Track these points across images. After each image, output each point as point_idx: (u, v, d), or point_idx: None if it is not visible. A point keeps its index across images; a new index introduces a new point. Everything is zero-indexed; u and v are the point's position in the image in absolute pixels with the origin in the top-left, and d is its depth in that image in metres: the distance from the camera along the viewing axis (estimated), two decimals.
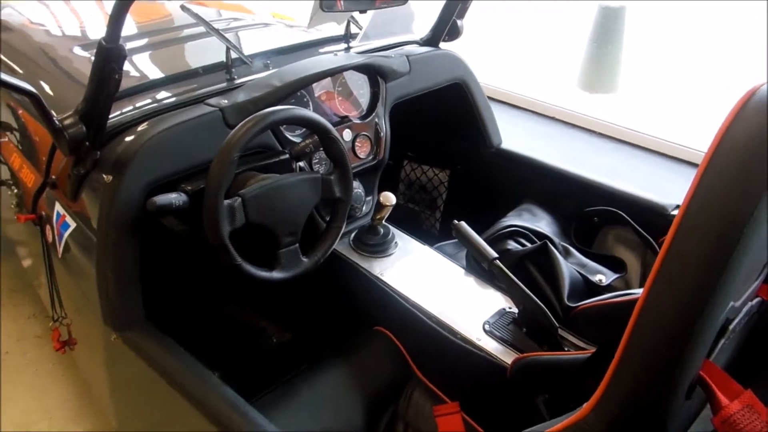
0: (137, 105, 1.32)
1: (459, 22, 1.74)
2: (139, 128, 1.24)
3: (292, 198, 1.21)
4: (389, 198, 1.43)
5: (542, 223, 1.63)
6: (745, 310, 0.70)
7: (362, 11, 1.39)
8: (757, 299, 0.75)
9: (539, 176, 1.74)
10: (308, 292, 1.58)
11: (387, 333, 1.41)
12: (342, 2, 1.30)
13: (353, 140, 1.53)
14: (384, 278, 1.40)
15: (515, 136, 1.96)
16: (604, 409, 0.64)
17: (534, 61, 4.68)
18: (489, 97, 1.84)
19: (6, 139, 1.67)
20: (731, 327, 0.66)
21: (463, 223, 1.35)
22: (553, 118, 3.70)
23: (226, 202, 1.11)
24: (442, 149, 1.97)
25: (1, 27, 1.86)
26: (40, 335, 1.94)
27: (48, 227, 1.41)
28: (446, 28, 1.73)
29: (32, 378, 1.81)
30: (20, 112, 1.60)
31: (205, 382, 1.10)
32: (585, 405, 0.66)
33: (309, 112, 1.21)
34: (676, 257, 0.59)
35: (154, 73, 1.53)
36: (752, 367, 0.81)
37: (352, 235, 1.51)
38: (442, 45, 1.77)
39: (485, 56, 4.09)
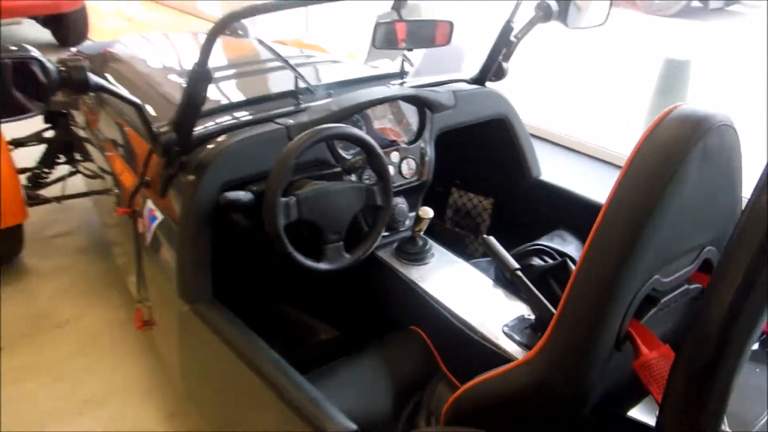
0: (218, 121, 1.59)
1: (504, 64, 1.94)
2: (219, 139, 1.50)
3: (339, 201, 1.43)
4: (427, 212, 1.62)
5: (570, 247, 1.77)
6: (681, 290, 0.84)
7: (409, 49, 1.63)
8: (696, 285, 0.89)
9: (574, 206, 1.89)
10: (354, 294, 1.78)
11: (420, 332, 1.58)
12: (393, 42, 1.53)
13: (400, 162, 1.74)
14: (420, 284, 1.58)
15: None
16: (544, 353, 0.80)
17: (603, 111, 4.80)
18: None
19: (112, 153, 1.99)
20: (663, 300, 0.80)
21: (491, 237, 1.53)
22: (611, 163, 3.80)
23: (283, 199, 1.34)
24: (487, 179, 2.15)
25: (111, 58, 2.23)
26: (124, 321, 2.23)
27: (140, 220, 1.69)
28: (492, 69, 1.94)
29: (114, 356, 2.09)
30: (126, 129, 1.92)
31: (262, 350, 1.30)
32: (531, 350, 0.82)
33: (356, 130, 1.44)
34: (601, 237, 0.76)
35: (234, 96, 1.81)
36: None
37: (395, 245, 1.71)
38: (489, 84, 1.97)
39: (558, 105, 4.24)
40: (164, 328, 1.71)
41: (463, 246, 2.24)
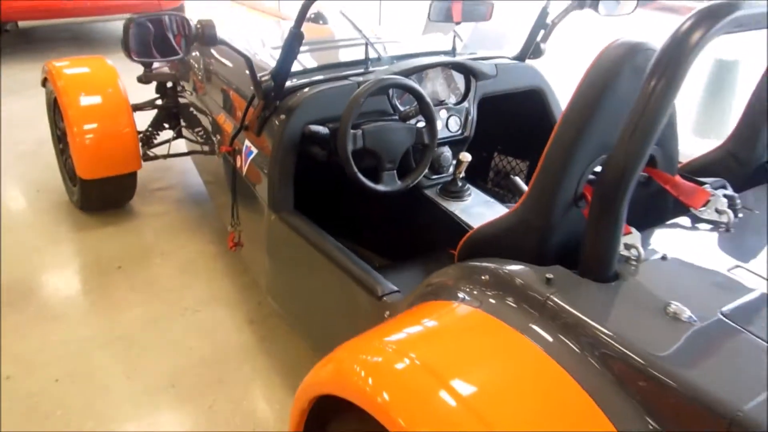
0: (305, 78, 2.02)
1: (542, 45, 2.30)
2: (305, 90, 1.93)
3: (395, 137, 1.83)
4: (466, 156, 1.99)
5: None
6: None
7: (458, 23, 2.01)
8: (645, 175, 1.24)
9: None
10: (406, 227, 2.17)
11: (454, 253, 1.95)
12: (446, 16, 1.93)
13: (447, 118, 2.12)
14: (458, 214, 1.95)
15: None
16: (525, 201, 1.17)
17: None
18: None
19: (217, 109, 2.46)
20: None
21: (516, 177, 1.88)
22: None
23: (352, 131, 1.75)
24: (524, 144, 2.50)
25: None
26: (214, 252, 2.70)
27: (238, 157, 2.14)
28: (531, 48, 2.30)
29: (207, 276, 2.55)
30: (229, 90, 2.37)
31: (331, 242, 1.70)
32: (515, 204, 1.19)
33: (410, 82, 1.83)
34: (562, 125, 1.11)
35: (318, 62, 2.24)
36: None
37: (440, 186, 2.08)
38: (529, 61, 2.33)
39: None
40: (252, 240, 2.14)
41: (504, 204, 2.59)
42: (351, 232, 2.23)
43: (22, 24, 5.28)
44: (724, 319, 0.97)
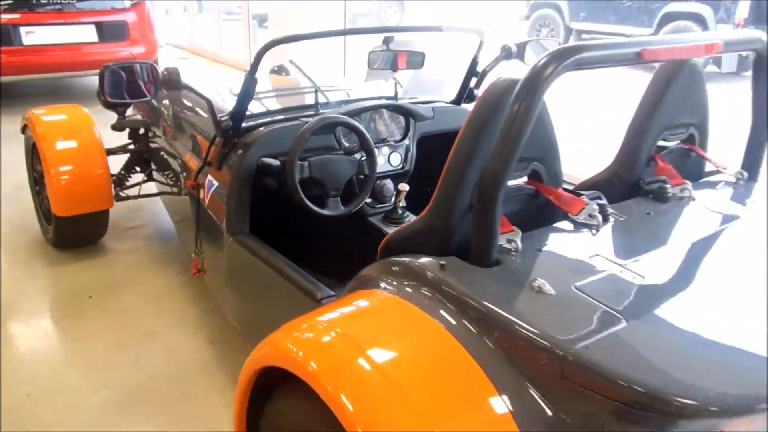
0: (260, 120, 2.28)
1: (475, 90, 2.61)
2: (260, 128, 2.19)
3: (338, 168, 2.09)
4: (404, 186, 2.25)
5: None
6: (516, 186, 1.46)
7: (394, 70, 2.31)
8: (530, 187, 1.51)
9: None
10: (353, 252, 2.40)
11: None
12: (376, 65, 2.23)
13: (389, 154, 2.39)
14: None
15: None
16: (431, 208, 1.42)
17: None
18: None
19: (183, 148, 2.70)
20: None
21: None
22: None
23: (299, 162, 2.00)
24: None
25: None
26: (180, 284, 2.89)
27: (201, 190, 2.37)
28: (465, 93, 2.61)
29: (172, 305, 2.74)
30: (194, 133, 2.63)
31: (285, 261, 1.92)
32: (422, 212, 1.44)
33: (349, 119, 2.10)
34: (457, 146, 1.38)
35: (273, 106, 2.52)
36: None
37: (382, 214, 2.33)
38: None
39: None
40: (214, 265, 2.36)
41: None
42: (304, 256, 2.46)
43: (4, 79, 5.52)
44: (576, 291, 1.22)
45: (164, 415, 2.10)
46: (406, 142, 2.45)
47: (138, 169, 3.37)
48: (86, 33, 5.84)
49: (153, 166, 3.34)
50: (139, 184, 3.33)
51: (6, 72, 5.47)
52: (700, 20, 9.38)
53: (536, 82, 1.21)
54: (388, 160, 2.40)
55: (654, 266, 1.33)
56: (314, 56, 5.12)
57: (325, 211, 2.08)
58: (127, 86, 2.05)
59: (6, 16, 5.46)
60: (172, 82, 1.95)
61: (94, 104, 3.21)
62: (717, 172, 1.90)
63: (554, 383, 1.09)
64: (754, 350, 1.11)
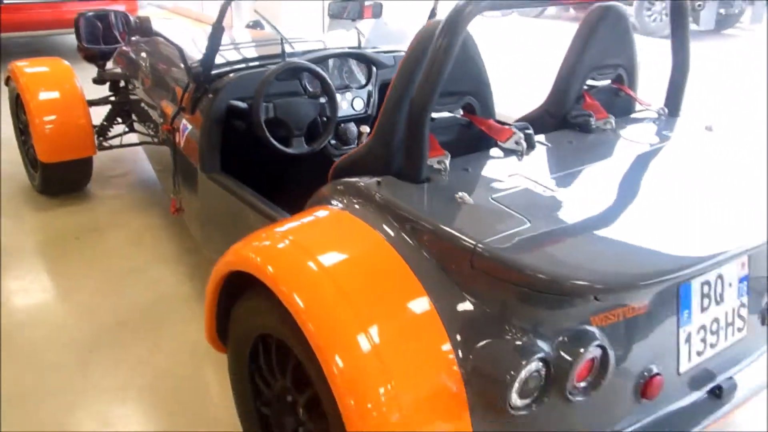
0: (230, 67, 2.44)
1: None
2: (230, 74, 2.35)
3: (301, 109, 2.26)
4: (365, 128, 2.43)
5: None
6: (451, 117, 1.65)
7: (354, 20, 2.47)
8: (463, 117, 1.69)
9: None
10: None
11: None
12: (342, 14, 2.38)
13: (352, 99, 2.56)
14: None
15: None
16: (372, 140, 1.60)
17: None
18: None
19: (161, 97, 2.86)
20: (437, 118, 1.61)
21: None
22: None
23: (264, 104, 2.17)
24: None
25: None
26: (160, 225, 3.08)
27: (177, 134, 2.54)
28: None
29: (153, 243, 2.93)
30: (170, 82, 2.77)
31: (252, 193, 2.10)
32: (365, 140, 1.62)
33: (310, 65, 2.26)
34: (394, 83, 1.55)
35: (242, 55, 2.67)
36: None
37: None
38: None
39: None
40: (190, 202, 2.54)
41: None
42: (272, 193, 2.64)
43: None
44: (492, 201, 1.41)
45: (147, 339, 2.30)
46: (369, 88, 2.61)
47: (119, 120, 3.52)
48: None
49: (134, 117, 3.49)
50: (120, 135, 3.49)
51: None
52: None
53: (455, 20, 1.39)
54: (351, 104, 2.57)
55: (564, 182, 1.53)
56: (299, 14, 5.24)
57: (289, 150, 2.25)
58: (103, 34, 2.20)
59: None
60: (143, 29, 2.10)
61: (77, 60, 3.36)
62: (645, 109, 2.09)
63: (469, 274, 1.29)
64: (633, 244, 1.32)
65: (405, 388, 1.26)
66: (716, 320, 1.54)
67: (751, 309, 1.62)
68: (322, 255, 1.40)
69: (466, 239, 1.27)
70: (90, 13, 2.18)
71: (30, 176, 3.44)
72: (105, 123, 3.48)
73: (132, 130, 3.51)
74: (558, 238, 1.32)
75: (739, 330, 1.60)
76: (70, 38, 6.82)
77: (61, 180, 3.28)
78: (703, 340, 1.52)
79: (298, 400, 1.51)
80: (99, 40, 2.20)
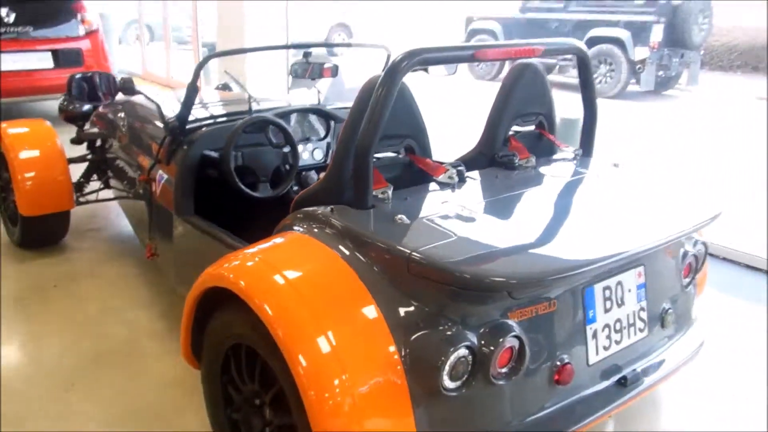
0: (202, 122, 2.73)
1: None
2: (202, 128, 2.64)
3: (266, 158, 2.55)
4: None
5: None
6: (393, 157, 1.95)
7: (314, 78, 2.80)
8: (405, 157, 2.00)
9: None
10: None
11: None
12: (305, 74, 2.72)
13: (313, 150, 2.87)
14: None
15: None
16: (326, 176, 1.89)
17: None
18: None
19: (138, 152, 3.12)
20: (381, 157, 1.91)
21: None
22: None
23: (234, 152, 2.46)
24: None
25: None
26: (136, 274, 3.29)
27: (153, 183, 2.80)
28: None
29: (129, 288, 3.12)
30: (147, 139, 3.05)
31: (223, 231, 2.35)
32: (321, 177, 1.91)
33: (274, 118, 2.57)
34: (344, 129, 1.86)
35: (213, 111, 2.98)
36: None
37: None
38: None
39: None
40: (164, 246, 2.77)
41: None
42: (241, 233, 2.89)
43: None
44: (425, 221, 1.70)
45: (124, 369, 2.49)
46: (328, 140, 2.93)
47: (96, 177, 3.76)
48: (43, 60, 6.20)
49: (109, 174, 3.74)
50: (96, 191, 3.72)
51: None
52: (620, 44, 10.26)
53: (393, 73, 1.71)
54: (311, 154, 2.87)
55: (488, 207, 1.84)
56: (262, 74, 5.61)
57: (256, 194, 2.53)
58: (89, 93, 2.49)
59: None
60: (127, 88, 2.40)
61: (56, 122, 3.63)
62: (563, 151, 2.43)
63: (407, 279, 1.55)
64: (542, 251, 1.62)
65: (357, 380, 1.50)
66: (619, 320, 1.82)
67: (651, 313, 1.91)
68: (287, 270, 1.66)
69: (403, 249, 1.55)
70: (78, 75, 2.47)
71: (9, 232, 3.63)
72: (82, 179, 3.71)
73: (107, 186, 3.75)
74: (478, 247, 1.60)
75: (641, 330, 1.89)
76: (46, 104, 7.11)
77: (40, 232, 3.48)
78: (609, 337, 1.80)
79: (265, 400, 1.74)
80: (85, 98, 2.48)
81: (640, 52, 10.12)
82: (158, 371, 2.49)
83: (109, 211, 4.07)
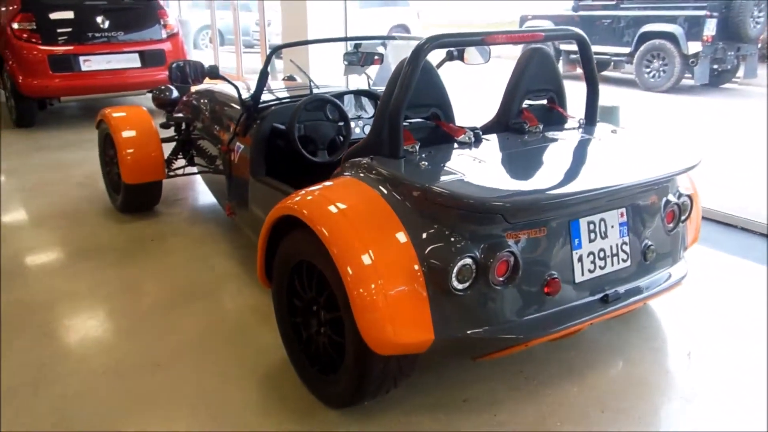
0: (272, 102, 3.31)
1: None
2: (272, 106, 3.22)
3: (324, 129, 3.11)
4: None
5: None
6: (421, 121, 2.46)
7: (363, 66, 3.34)
8: (431, 123, 2.51)
9: None
10: None
11: None
12: (356, 62, 3.26)
13: (363, 126, 3.40)
14: None
15: None
16: (370, 133, 2.39)
17: None
18: None
19: (218, 129, 3.73)
20: (413, 121, 2.42)
21: None
22: None
23: (298, 125, 3.02)
24: None
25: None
26: (217, 233, 3.91)
27: (232, 153, 3.39)
28: None
29: (212, 245, 3.74)
30: (226, 119, 3.65)
31: (289, 188, 2.91)
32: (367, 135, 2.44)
33: (330, 98, 3.11)
34: (382, 98, 2.38)
35: (281, 94, 3.57)
36: None
37: None
38: None
39: None
40: (241, 204, 3.36)
41: None
42: None
43: (65, 99, 6.71)
44: (443, 166, 2.20)
45: (211, 301, 3.09)
46: None
47: (181, 155, 4.43)
48: (131, 60, 7.01)
49: (193, 152, 4.39)
50: (183, 167, 4.38)
51: (68, 93, 6.64)
52: (672, 38, 10.36)
53: (417, 53, 2.22)
54: (362, 130, 3.41)
55: (497, 158, 2.32)
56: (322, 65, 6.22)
57: (316, 159, 3.08)
58: (182, 78, 3.11)
59: (66, 48, 6.65)
60: (213, 73, 3.00)
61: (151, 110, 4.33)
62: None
63: (427, 207, 2.05)
64: (537, 186, 2.09)
65: (388, 285, 1.99)
66: (602, 250, 2.26)
67: (633, 247, 2.33)
68: (339, 203, 2.17)
69: (423, 183, 2.05)
70: (174, 63, 3.11)
71: (112, 199, 4.34)
72: (171, 156, 4.38)
73: (191, 163, 4.41)
74: (482, 181, 2.08)
75: (624, 260, 2.31)
76: (134, 98, 7.96)
77: (138, 198, 4.16)
78: (593, 263, 2.24)
79: (320, 302, 2.27)
80: (180, 80, 3.12)
81: (693, 47, 10.20)
82: (238, 301, 3.08)
83: (192, 186, 4.74)
